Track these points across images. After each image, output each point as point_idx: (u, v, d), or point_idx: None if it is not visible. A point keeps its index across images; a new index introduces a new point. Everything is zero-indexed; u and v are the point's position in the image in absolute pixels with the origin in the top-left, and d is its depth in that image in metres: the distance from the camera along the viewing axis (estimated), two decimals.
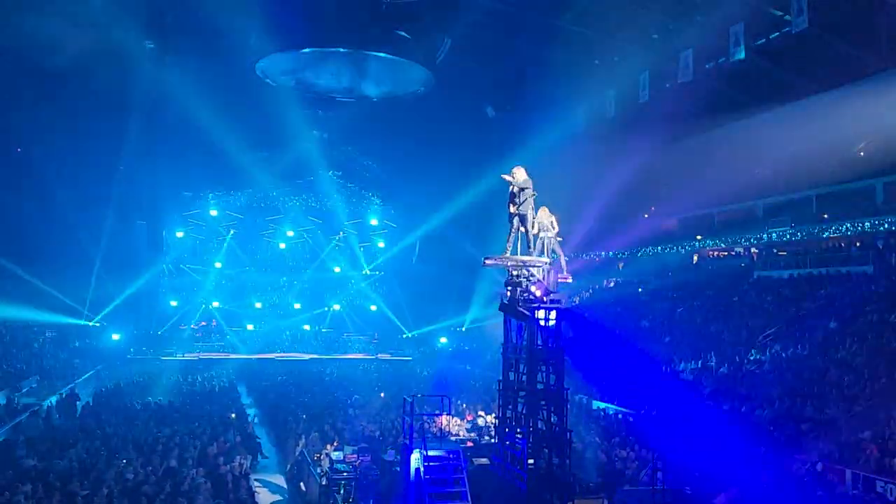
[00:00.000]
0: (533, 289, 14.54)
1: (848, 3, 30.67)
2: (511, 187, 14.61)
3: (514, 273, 14.87)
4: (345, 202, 58.89)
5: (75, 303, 45.11)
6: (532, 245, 14.77)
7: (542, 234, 15.72)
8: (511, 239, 14.69)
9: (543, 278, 15.01)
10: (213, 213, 56.94)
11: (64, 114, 37.05)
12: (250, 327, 56.54)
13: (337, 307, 61.99)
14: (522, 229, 14.75)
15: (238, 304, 59.15)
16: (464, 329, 53.42)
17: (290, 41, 33.96)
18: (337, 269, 62.79)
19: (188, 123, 39.77)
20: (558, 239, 16.04)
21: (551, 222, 15.91)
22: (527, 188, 14.61)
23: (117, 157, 42.50)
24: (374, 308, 62.10)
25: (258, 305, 60.01)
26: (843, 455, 20.35)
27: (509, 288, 14.84)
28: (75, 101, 36.67)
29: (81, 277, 45.19)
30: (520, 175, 14.59)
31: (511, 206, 14.56)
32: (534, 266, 14.81)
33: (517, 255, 14.86)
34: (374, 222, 60.49)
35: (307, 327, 58.52)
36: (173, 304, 55.62)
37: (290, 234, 60.58)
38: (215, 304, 58.81)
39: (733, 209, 46.11)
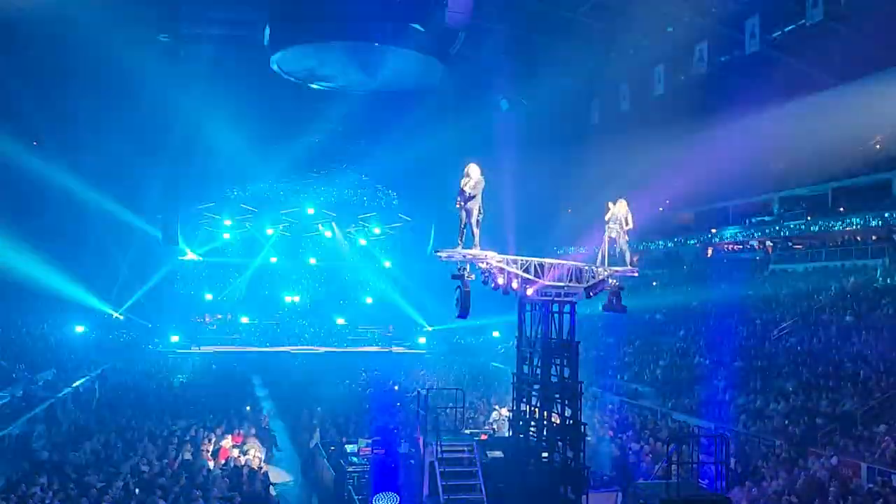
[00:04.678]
0: (501, 281, 14.11)
1: None
2: (463, 184, 13.64)
3: (483, 267, 13.99)
4: (359, 195, 58.94)
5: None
6: (476, 239, 14.01)
7: (612, 226, 15.36)
8: (463, 233, 13.79)
9: (562, 274, 14.55)
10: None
11: (71, 109, 37.26)
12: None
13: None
14: (471, 221, 13.70)
15: (253, 296, 59.47)
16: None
17: (304, 34, 33.90)
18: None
19: (201, 117, 39.82)
20: (627, 233, 15.61)
21: (625, 217, 15.49)
22: (479, 187, 13.63)
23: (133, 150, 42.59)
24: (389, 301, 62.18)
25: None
26: (858, 449, 20.29)
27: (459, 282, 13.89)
28: (87, 96, 36.74)
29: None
30: (475, 173, 13.67)
31: (465, 201, 13.57)
32: (484, 260, 13.86)
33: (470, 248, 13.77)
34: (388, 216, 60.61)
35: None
36: (192, 294, 56.12)
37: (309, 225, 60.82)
38: (230, 297, 59.20)
39: (749, 202, 45.87)
